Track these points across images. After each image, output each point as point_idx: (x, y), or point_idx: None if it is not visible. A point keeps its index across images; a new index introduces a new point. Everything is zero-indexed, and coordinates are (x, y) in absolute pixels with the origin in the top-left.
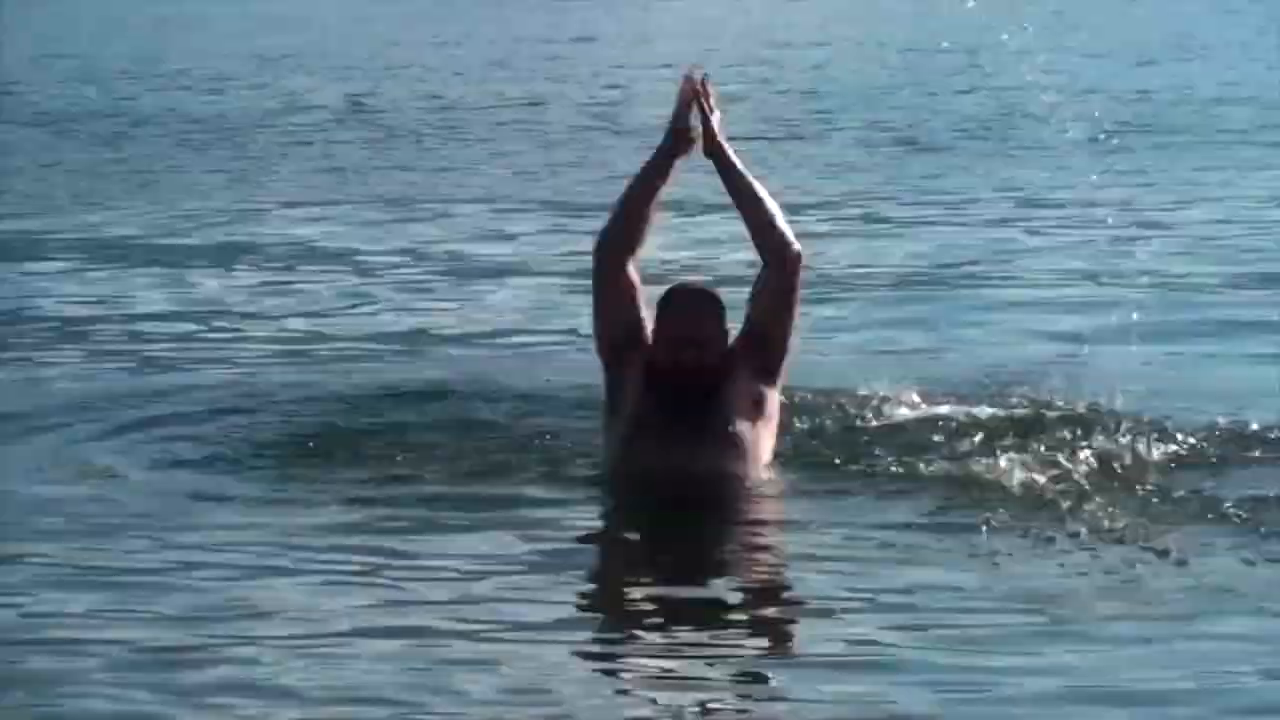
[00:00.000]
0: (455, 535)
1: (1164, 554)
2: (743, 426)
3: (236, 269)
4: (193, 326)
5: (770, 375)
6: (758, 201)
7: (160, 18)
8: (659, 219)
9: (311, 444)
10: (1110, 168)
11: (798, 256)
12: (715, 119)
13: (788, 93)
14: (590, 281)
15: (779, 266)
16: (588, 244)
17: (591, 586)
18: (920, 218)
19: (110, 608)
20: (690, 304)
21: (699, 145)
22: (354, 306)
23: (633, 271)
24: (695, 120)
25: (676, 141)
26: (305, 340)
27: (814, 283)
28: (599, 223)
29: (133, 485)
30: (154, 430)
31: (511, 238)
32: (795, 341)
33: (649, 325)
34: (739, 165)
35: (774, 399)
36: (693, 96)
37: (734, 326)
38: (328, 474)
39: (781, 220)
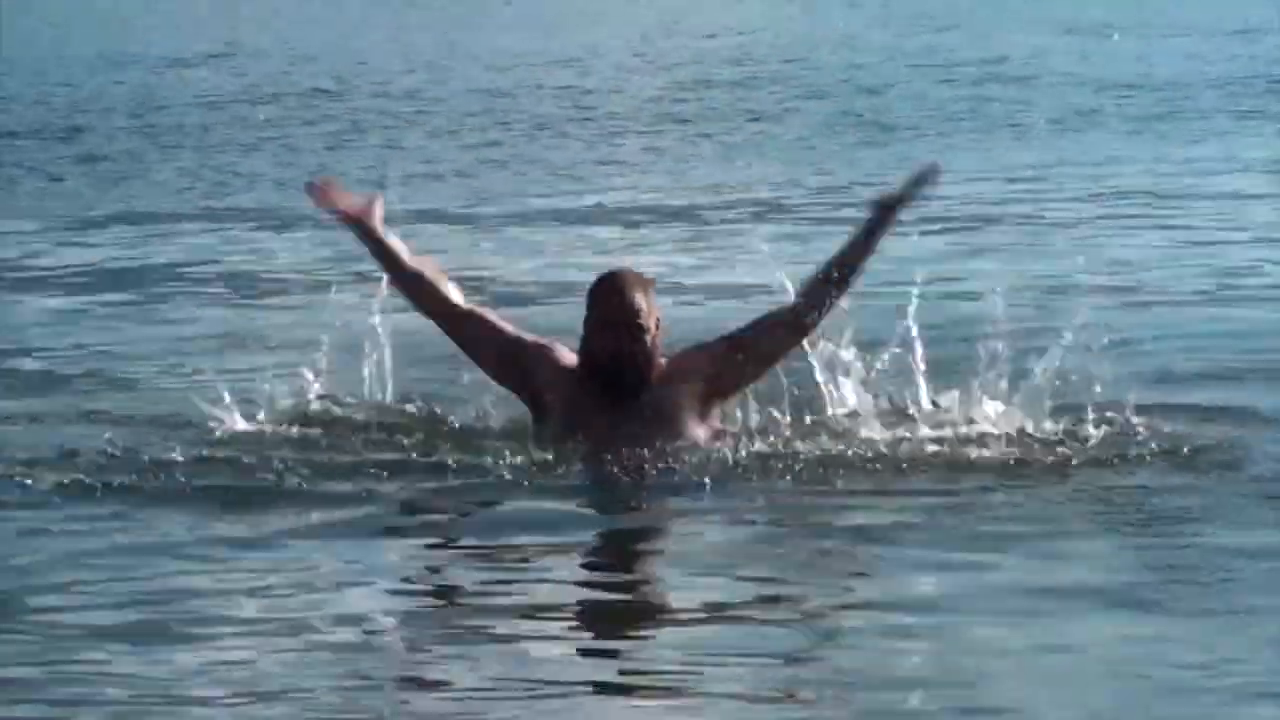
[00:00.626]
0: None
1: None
2: (692, 425)
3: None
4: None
5: (722, 392)
6: (856, 271)
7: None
8: (429, 268)
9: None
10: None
11: (814, 325)
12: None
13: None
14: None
15: (804, 321)
16: None
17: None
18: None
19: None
20: (617, 285)
21: None
22: None
23: (466, 305)
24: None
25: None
26: None
27: None
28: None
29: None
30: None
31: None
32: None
33: (514, 329)
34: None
35: (716, 414)
36: None
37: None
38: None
39: (845, 299)
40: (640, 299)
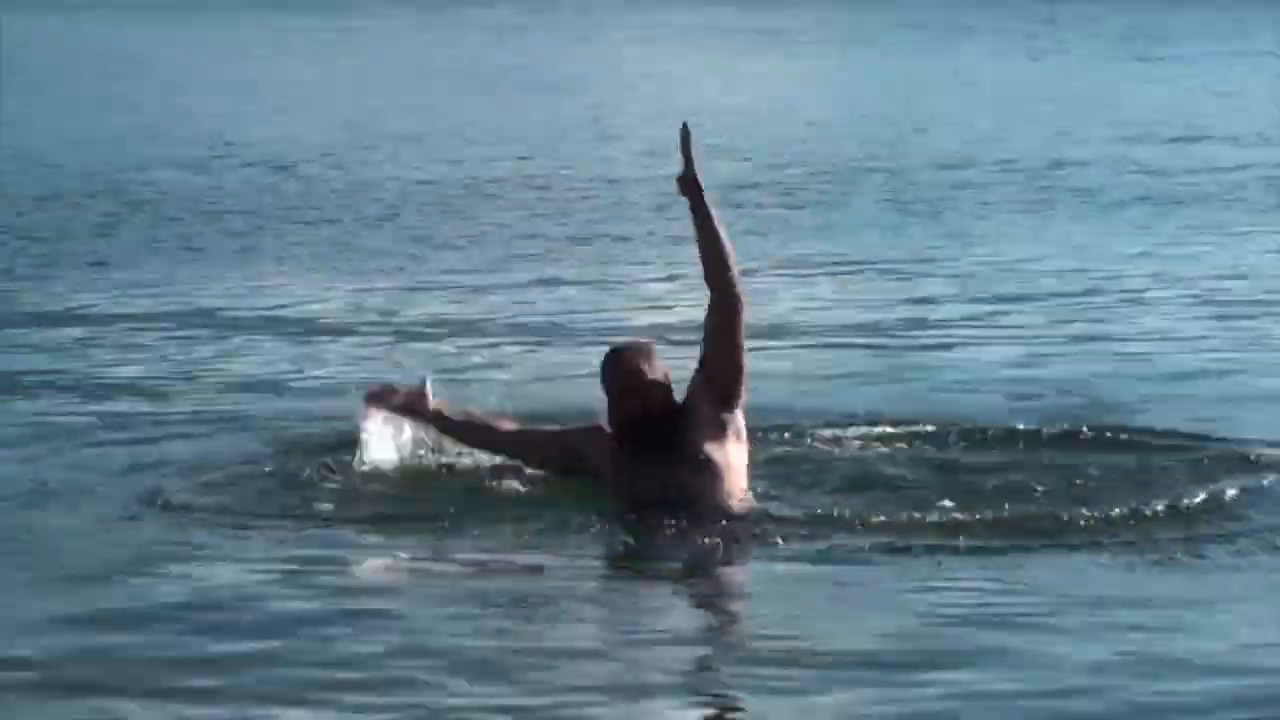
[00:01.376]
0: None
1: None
2: (711, 448)
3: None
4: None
5: (729, 401)
6: (719, 243)
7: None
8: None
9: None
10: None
11: (739, 297)
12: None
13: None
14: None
15: (725, 305)
16: None
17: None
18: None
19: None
20: (618, 361)
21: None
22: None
23: (510, 429)
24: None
25: None
26: None
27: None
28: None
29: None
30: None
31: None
32: (748, 367)
33: (556, 428)
34: (709, 207)
35: (738, 420)
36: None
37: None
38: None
39: (735, 264)
40: (641, 364)
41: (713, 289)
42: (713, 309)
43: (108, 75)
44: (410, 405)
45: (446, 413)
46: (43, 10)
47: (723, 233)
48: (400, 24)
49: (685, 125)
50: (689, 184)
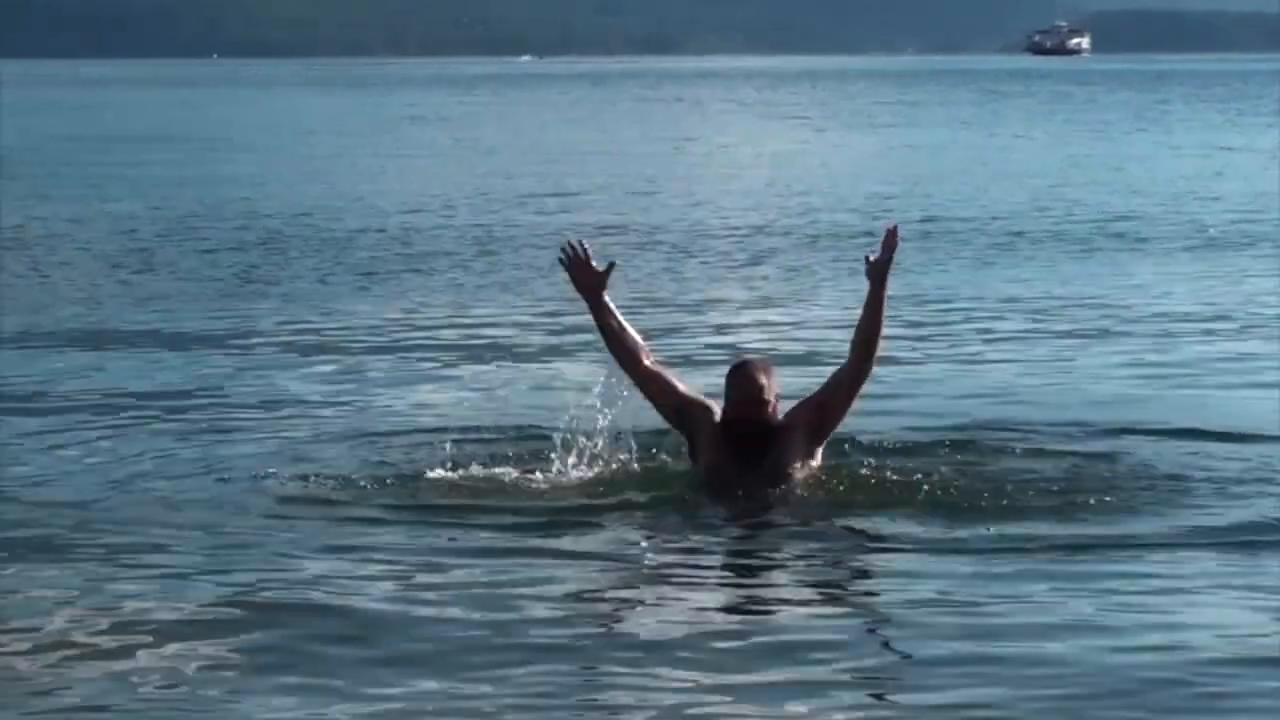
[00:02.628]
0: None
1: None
2: (794, 467)
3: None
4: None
5: (820, 437)
6: (880, 322)
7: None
8: (628, 331)
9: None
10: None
11: (871, 368)
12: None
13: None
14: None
15: (861, 370)
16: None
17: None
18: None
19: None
20: (747, 371)
21: None
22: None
23: (651, 367)
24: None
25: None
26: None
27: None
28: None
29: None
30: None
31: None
32: (845, 420)
33: (685, 389)
34: (886, 292)
35: (819, 453)
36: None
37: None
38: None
39: (879, 341)
40: (763, 379)
41: (857, 355)
42: (850, 368)
43: (292, 140)
44: (593, 289)
45: (614, 310)
46: (236, 86)
47: (885, 315)
48: (520, 98)
49: (895, 227)
50: (879, 270)
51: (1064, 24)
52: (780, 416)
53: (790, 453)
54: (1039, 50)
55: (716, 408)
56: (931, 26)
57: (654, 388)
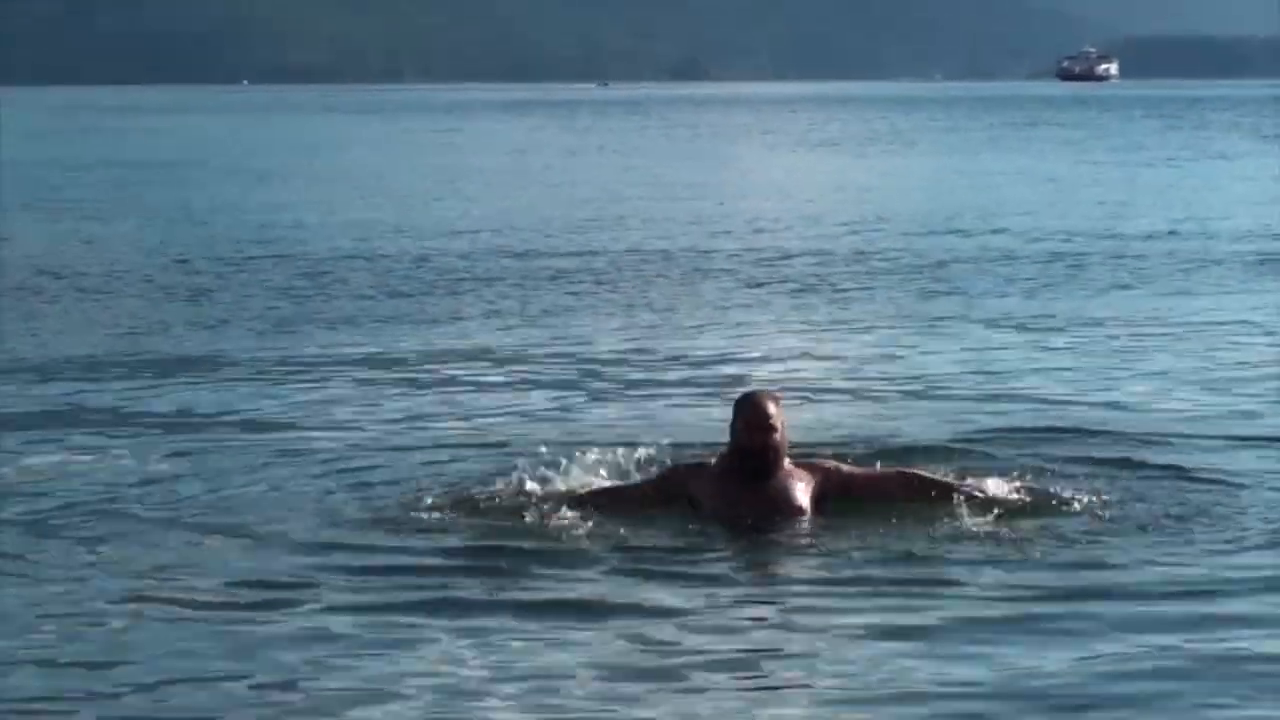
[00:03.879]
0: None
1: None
2: (801, 502)
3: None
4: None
5: (822, 502)
6: (939, 492)
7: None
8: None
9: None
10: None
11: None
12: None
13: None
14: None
15: (904, 498)
16: None
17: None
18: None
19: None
20: (759, 400)
21: None
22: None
23: (632, 501)
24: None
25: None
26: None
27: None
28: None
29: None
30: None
31: None
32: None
33: (650, 482)
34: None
35: (822, 508)
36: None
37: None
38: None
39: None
40: (773, 409)
41: (913, 493)
42: (901, 490)
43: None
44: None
45: (580, 499)
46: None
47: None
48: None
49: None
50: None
51: (1092, 50)
52: (788, 460)
53: (797, 488)
54: (1068, 76)
55: (692, 464)
56: (960, 52)
57: (646, 504)
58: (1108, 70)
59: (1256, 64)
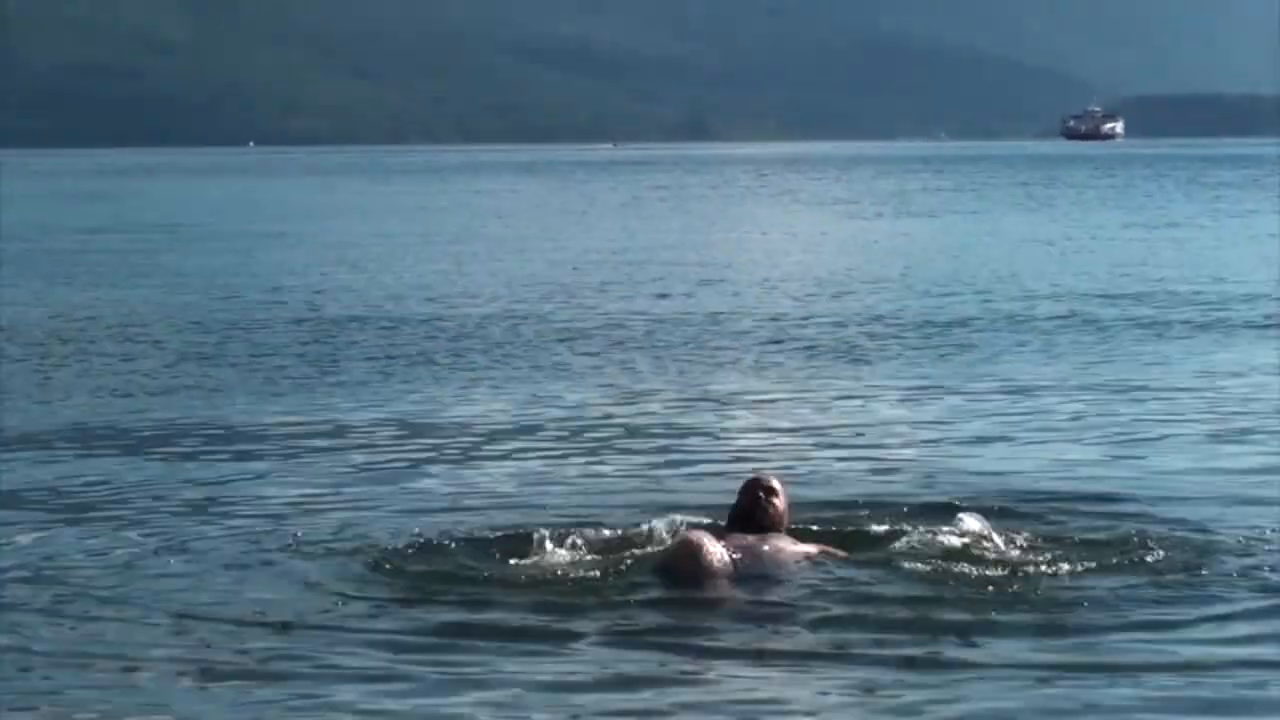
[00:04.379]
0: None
1: None
2: (793, 550)
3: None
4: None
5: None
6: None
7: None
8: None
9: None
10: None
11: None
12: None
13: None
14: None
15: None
16: None
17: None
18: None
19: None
20: (763, 477)
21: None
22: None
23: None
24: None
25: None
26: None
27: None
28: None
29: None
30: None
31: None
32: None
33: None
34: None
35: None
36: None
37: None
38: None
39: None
40: (777, 484)
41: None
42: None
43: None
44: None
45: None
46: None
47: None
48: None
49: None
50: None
51: (1098, 109)
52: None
53: (787, 539)
54: (1073, 135)
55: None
56: (964, 112)
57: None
58: (1113, 129)
59: (1263, 122)
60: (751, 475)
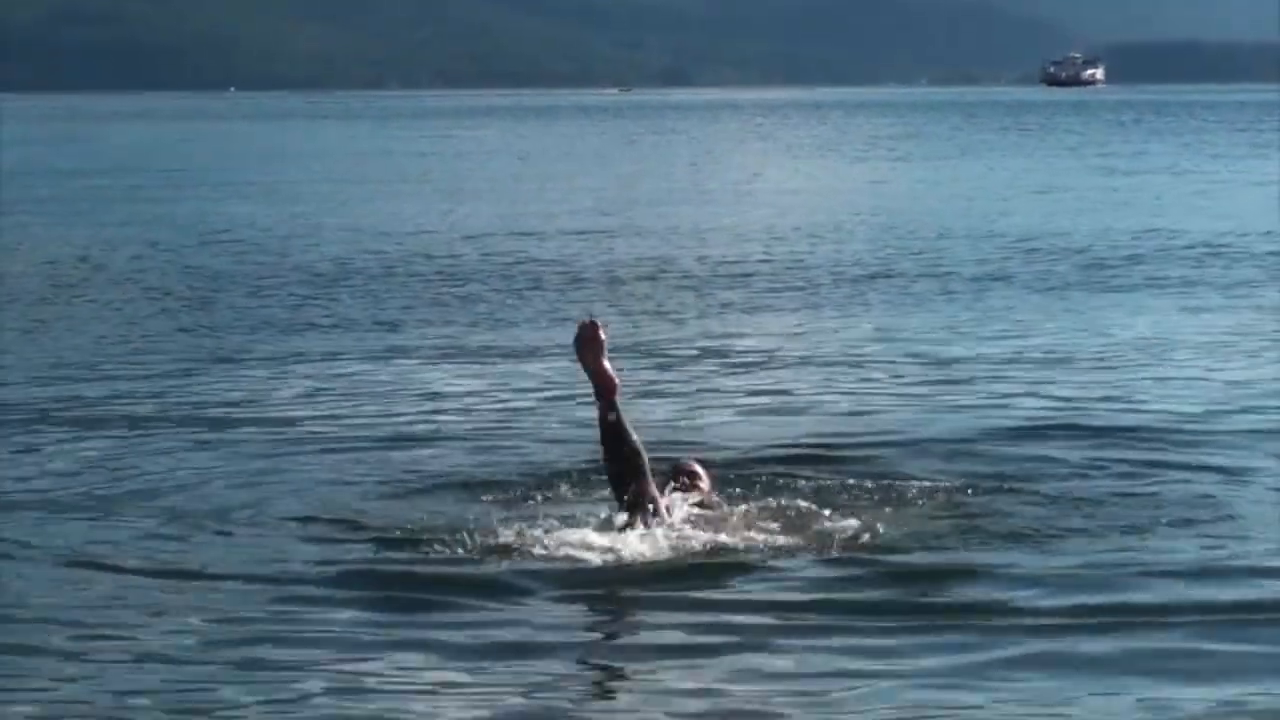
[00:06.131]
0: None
1: None
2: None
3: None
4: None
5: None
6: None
7: None
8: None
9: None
10: None
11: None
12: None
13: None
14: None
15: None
16: None
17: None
18: None
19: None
20: (685, 463)
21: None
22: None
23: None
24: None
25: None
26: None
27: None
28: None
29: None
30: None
31: None
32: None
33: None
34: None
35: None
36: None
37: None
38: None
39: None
40: (699, 468)
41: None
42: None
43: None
44: (610, 386)
45: (628, 428)
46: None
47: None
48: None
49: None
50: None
51: (1078, 55)
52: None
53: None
54: (1053, 81)
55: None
56: (945, 58)
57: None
58: (1093, 75)
59: (1244, 69)
60: (679, 466)
